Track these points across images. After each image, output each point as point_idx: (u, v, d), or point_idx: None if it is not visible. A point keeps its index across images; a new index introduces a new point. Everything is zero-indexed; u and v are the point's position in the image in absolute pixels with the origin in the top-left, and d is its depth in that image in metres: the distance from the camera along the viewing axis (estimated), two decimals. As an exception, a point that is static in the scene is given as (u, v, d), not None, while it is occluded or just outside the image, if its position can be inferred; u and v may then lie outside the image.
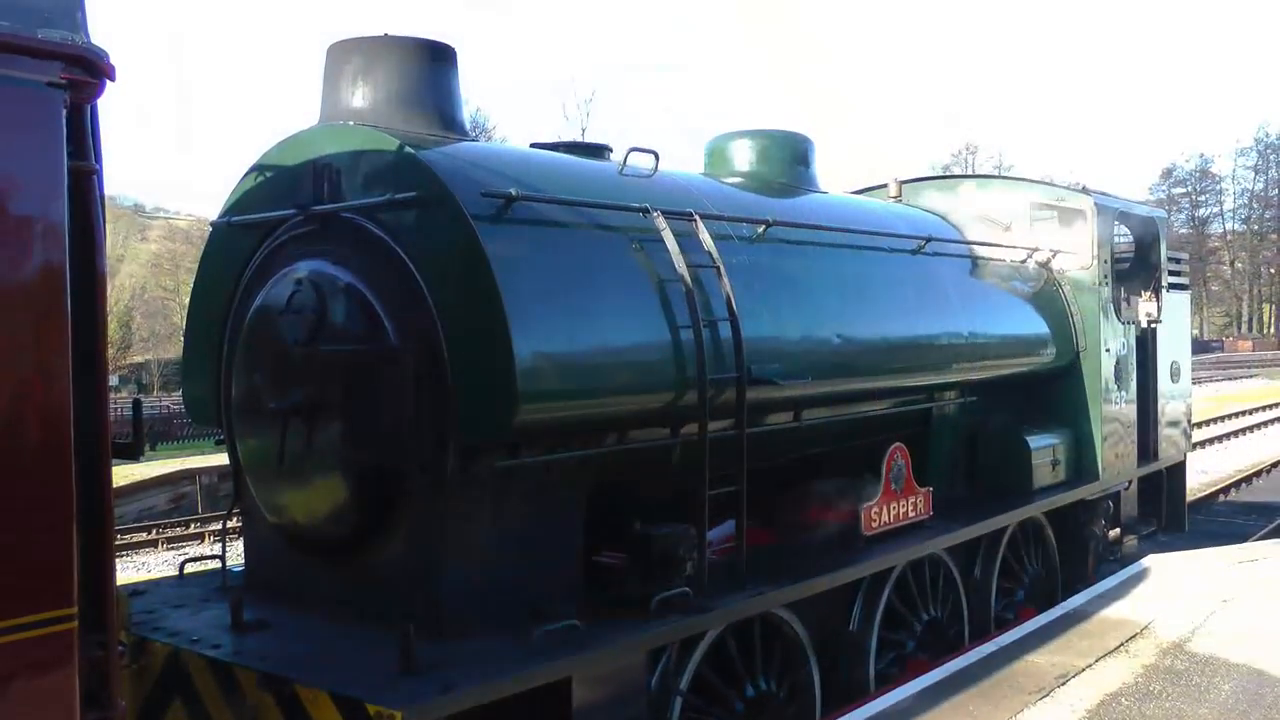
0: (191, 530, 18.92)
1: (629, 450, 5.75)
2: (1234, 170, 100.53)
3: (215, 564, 6.31)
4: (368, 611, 5.26)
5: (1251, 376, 53.55)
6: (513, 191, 5.13)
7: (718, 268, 5.96)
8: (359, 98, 5.78)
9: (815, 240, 7.27)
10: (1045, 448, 9.32)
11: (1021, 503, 8.88)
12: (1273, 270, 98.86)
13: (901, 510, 7.47)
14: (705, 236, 6.04)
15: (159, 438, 33.36)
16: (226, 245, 6.11)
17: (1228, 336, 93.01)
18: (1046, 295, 9.84)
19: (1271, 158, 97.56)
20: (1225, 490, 19.01)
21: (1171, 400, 11.69)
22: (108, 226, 3.28)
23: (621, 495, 6.04)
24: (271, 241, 5.79)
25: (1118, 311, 10.36)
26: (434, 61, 5.91)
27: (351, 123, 5.66)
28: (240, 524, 6.24)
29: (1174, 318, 11.72)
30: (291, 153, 5.77)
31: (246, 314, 5.73)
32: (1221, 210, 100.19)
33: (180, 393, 13.74)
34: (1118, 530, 10.81)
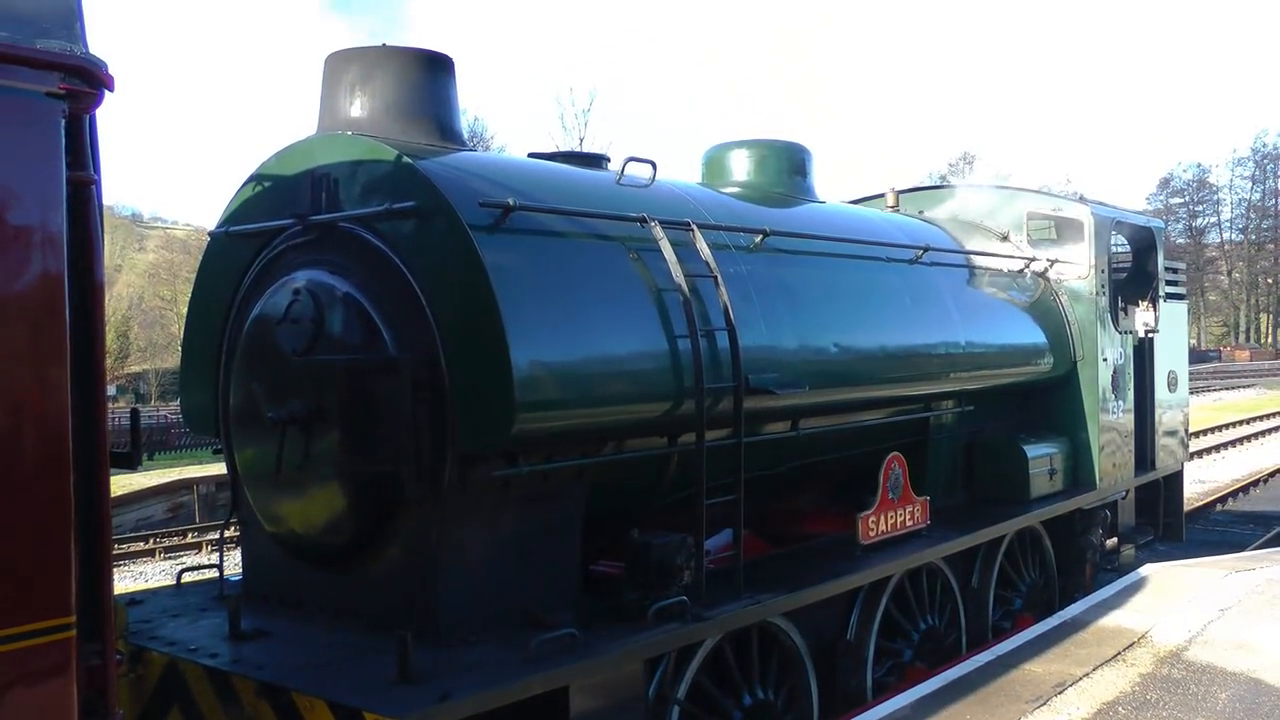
0: (189, 539, 18.88)
1: (627, 459, 5.76)
2: (1231, 180, 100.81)
3: (213, 573, 6.31)
4: (365, 620, 5.27)
5: (1249, 386, 53.59)
6: (510, 201, 5.14)
7: (715, 277, 5.97)
8: (357, 107, 5.81)
9: (813, 250, 7.30)
10: (1042, 457, 9.33)
11: (1019, 512, 8.88)
12: (1270, 280, 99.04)
13: (899, 519, 7.48)
14: (703, 246, 6.05)
15: (156, 447, 33.33)
16: (224, 255, 6.12)
17: (1225, 346, 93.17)
18: (1044, 305, 9.86)
19: (1269, 167, 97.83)
20: (1223, 499, 19.01)
21: (1169, 410, 11.71)
22: (105, 236, 3.29)
23: (619, 504, 6.05)
24: (269, 251, 5.80)
25: (1115, 321, 10.39)
26: (431, 71, 5.93)
27: (349, 132, 5.68)
28: (238, 533, 6.24)
29: (1171, 327, 11.74)
30: (289, 162, 5.78)
31: (244, 323, 5.74)
32: (1219, 220, 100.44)
33: (178, 402, 13.71)
34: (1115, 539, 10.82)
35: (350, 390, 5.21)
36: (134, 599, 6.06)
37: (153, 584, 13.42)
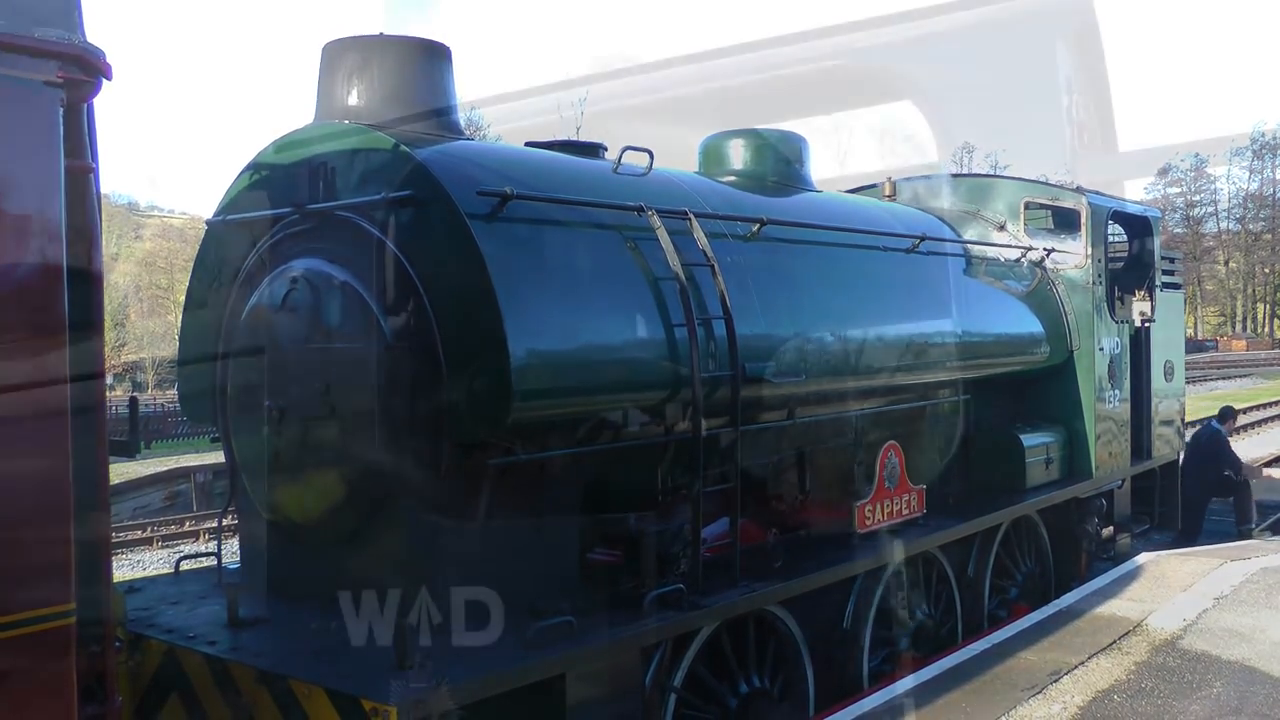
0: (187, 528, 18.90)
1: (623, 447, 5.77)
2: (1229, 170, 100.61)
3: (211, 561, 6.33)
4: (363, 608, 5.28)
5: (1245, 376, 53.63)
6: (508, 190, 5.14)
7: (712, 266, 5.98)
8: (354, 96, 5.79)
9: (809, 239, 7.29)
10: (1039, 446, 9.36)
11: (1015, 501, 8.91)
12: (1267, 270, 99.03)
13: (895, 508, 7.49)
14: (699, 235, 6.06)
15: (154, 435, 33.29)
16: (222, 243, 6.12)
17: (1222, 336, 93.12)
18: (1040, 294, 9.87)
19: (1267, 157, 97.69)
20: (1218, 489, 19.02)
21: (1165, 399, 11.72)
22: (102, 224, 3.30)
23: (616, 492, 6.05)
24: (267, 240, 5.80)
25: (1111, 310, 10.40)
26: (429, 60, 5.92)
27: (347, 121, 5.67)
28: (236, 521, 6.26)
29: (1168, 317, 11.76)
30: (287, 151, 5.78)
31: (242, 312, 5.74)
32: (1216, 209, 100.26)
33: (175, 390, 13.72)
34: (1111, 528, 10.85)
35: (347, 378, 5.22)
36: (132, 587, 6.07)
37: (150, 572, 13.44)
